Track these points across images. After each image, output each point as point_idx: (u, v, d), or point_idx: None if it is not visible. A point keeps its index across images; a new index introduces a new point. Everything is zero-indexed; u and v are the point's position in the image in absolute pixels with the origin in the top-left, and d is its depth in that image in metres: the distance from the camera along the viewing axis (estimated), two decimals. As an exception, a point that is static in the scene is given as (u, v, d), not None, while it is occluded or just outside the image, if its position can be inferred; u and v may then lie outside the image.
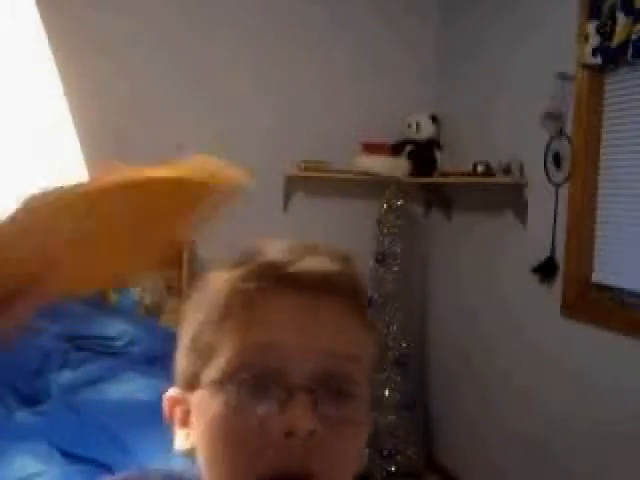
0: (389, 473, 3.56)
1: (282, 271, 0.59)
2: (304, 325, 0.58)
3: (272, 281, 0.59)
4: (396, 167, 3.66)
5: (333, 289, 0.60)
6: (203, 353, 0.60)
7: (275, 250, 0.62)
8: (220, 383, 0.57)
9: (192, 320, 0.63)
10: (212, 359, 0.59)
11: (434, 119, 3.76)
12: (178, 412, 0.64)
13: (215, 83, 3.69)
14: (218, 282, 0.62)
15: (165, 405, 0.66)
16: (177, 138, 3.65)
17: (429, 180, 3.73)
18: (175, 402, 0.65)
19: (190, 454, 0.63)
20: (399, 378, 3.62)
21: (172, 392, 0.66)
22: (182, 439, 0.63)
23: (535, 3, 3.11)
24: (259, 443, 0.54)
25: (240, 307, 0.59)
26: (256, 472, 0.54)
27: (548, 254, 2.90)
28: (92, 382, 2.39)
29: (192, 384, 0.61)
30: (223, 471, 0.57)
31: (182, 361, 0.64)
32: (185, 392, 0.63)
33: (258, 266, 0.61)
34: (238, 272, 0.61)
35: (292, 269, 0.59)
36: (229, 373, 0.57)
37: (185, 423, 0.63)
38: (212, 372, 0.58)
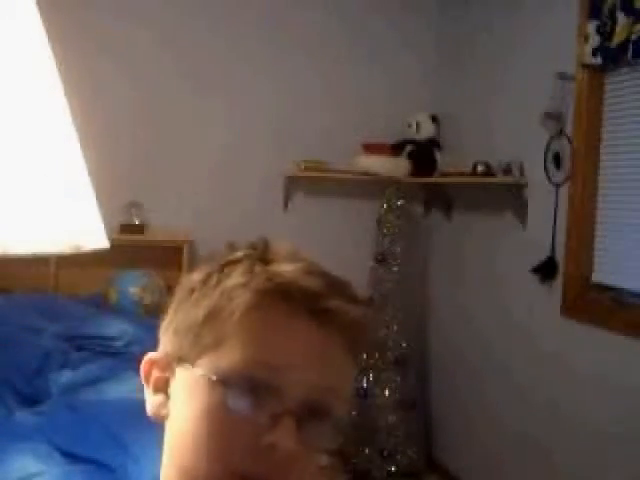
0: (389, 473, 3.56)
1: (314, 301, 0.63)
2: (314, 359, 0.63)
3: (301, 306, 0.63)
4: (396, 167, 3.66)
5: (352, 332, 0.65)
6: (205, 340, 0.64)
7: (296, 269, 0.65)
8: (220, 380, 0.61)
9: (200, 301, 0.66)
10: (214, 351, 0.63)
11: (434, 119, 3.76)
12: (155, 375, 0.68)
13: (215, 83, 3.69)
14: (238, 280, 0.65)
15: (144, 364, 0.69)
16: (178, 139, 3.65)
17: (429, 180, 3.73)
18: (155, 364, 0.69)
19: (161, 419, 0.68)
20: (399, 378, 3.63)
21: (156, 355, 0.69)
22: (156, 405, 0.68)
23: (535, 3, 3.11)
24: (245, 446, 0.60)
25: (261, 320, 0.63)
26: (231, 467, 0.60)
27: (548, 254, 2.90)
28: (92, 382, 2.39)
29: (181, 359, 0.65)
30: (204, 455, 0.61)
31: (176, 333, 0.67)
32: (170, 360, 0.67)
33: (286, 284, 0.64)
34: (266, 280, 0.64)
35: (324, 304, 0.63)
36: (232, 375, 0.61)
37: (160, 389, 0.68)
38: (211, 364, 0.62)
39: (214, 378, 0.61)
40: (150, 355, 0.70)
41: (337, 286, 0.66)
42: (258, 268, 0.65)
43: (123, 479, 1.82)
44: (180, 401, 0.65)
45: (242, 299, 0.63)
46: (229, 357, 0.62)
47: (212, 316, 0.64)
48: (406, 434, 3.61)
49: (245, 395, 0.61)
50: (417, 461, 3.66)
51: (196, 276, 0.68)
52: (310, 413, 0.62)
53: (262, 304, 0.63)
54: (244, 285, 0.64)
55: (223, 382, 0.61)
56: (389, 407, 3.59)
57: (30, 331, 2.68)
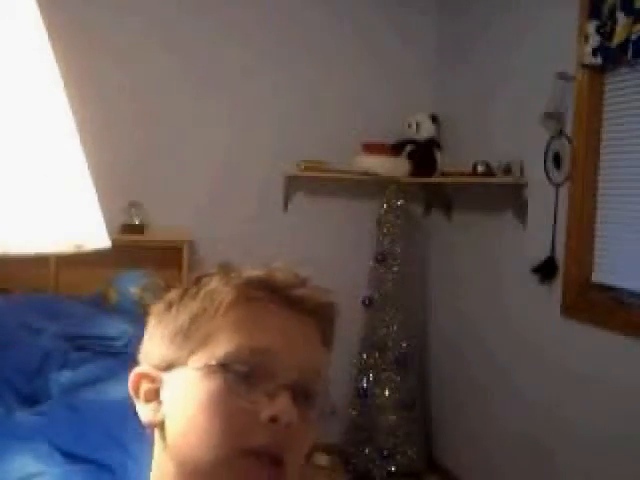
0: (389, 473, 3.56)
1: (288, 291, 0.70)
2: (295, 341, 0.70)
3: (277, 296, 0.70)
4: (396, 167, 3.66)
5: (322, 316, 0.73)
6: (194, 339, 0.69)
7: (267, 269, 0.73)
8: (216, 368, 0.66)
9: (182, 310, 0.71)
10: (205, 346, 0.68)
11: (434, 119, 3.76)
12: (144, 387, 0.72)
13: (216, 83, 3.69)
14: (217, 283, 0.71)
15: (132, 379, 0.73)
16: (178, 139, 3.65)
17: (429, 180, 3.73)
18: (143, 378, 0.72)
19: (156, 426, 0.71)
20: (399, 378, 3.63)
21: (142, 369, 0.73)
22: (149, 413, 0.71)
23: (535, 3, 3.11)
24: (249, 422, 0.65)
25: (246, 310, 0.69)
26: (240, 444, 0.64)
27: (548, 254, 2.90)
28: (92, 382, 2.39)
29: (171, 364, 0.70)
30: (211, 440, 0.65)
31: (161, 343, 0.72)
32: (158, 371, 0.71)
33: (261, 279, 0.71)
34: (243, 279, 0.71)
35: (297, 292, 0.71)
36: (227, 362, 0.66)
37: (151, 399, 0.71)
38: (205, 357, 0.67)
39: (213, 362, 0.66)
40: (137, 369, 0.73)
41: (303, 279, 0.73)
42: (234, 274, 0.72)
43: (123, 479, 1.82)
44: (177, 403, 0.69)
45: (225, 296, 0.69)
46: (222, 347, 0.67)
47: (198, 317, 0.69)
48: (406, 434, 3.61)
49: (242, 378, 0.66)
50: (417, 461, 3.66)
51: (171, 294, 0.73)
52: (300, 390, 0.68)
53: (245, 296, 0.69)
54: (224, 285, 0.70)
55: (218, 367, 0.66)
56: (389, 407, 3.59)
57: (30, 331, 2.68)
